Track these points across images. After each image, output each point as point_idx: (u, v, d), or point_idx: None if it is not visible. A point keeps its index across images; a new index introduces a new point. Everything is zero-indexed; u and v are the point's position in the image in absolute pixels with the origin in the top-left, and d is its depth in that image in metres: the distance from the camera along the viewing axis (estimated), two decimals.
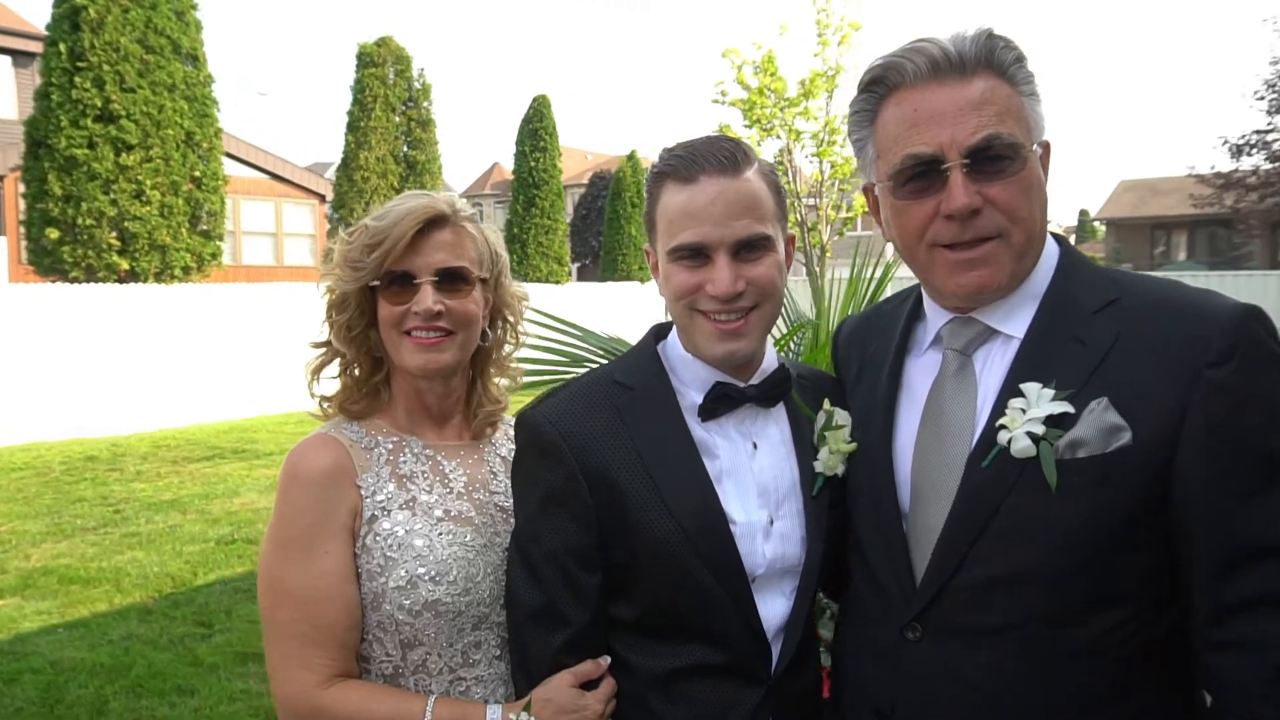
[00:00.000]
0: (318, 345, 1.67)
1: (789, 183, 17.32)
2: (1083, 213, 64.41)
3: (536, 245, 20.27)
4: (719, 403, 1.47)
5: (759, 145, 17.08)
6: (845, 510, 1.49)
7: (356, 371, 1.60)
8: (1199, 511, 1.18)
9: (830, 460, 1.50)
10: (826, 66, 16.46)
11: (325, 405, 1.64)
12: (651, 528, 1.40)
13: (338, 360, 1.63)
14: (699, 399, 1.48)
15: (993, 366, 1.35)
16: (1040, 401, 1.24)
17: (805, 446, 1.51)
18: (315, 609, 1.42)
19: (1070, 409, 1.22)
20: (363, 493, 1.48)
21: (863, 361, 1.55)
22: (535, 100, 20.89)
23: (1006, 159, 1.26)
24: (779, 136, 17.06)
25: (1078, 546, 1.22)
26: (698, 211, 1.39)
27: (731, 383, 1.47)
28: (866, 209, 1.48)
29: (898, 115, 1.34)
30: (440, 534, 1.49)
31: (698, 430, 1.46)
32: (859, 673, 1.42)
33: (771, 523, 1.45)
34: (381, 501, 1.49)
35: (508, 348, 1.72)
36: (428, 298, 1.51)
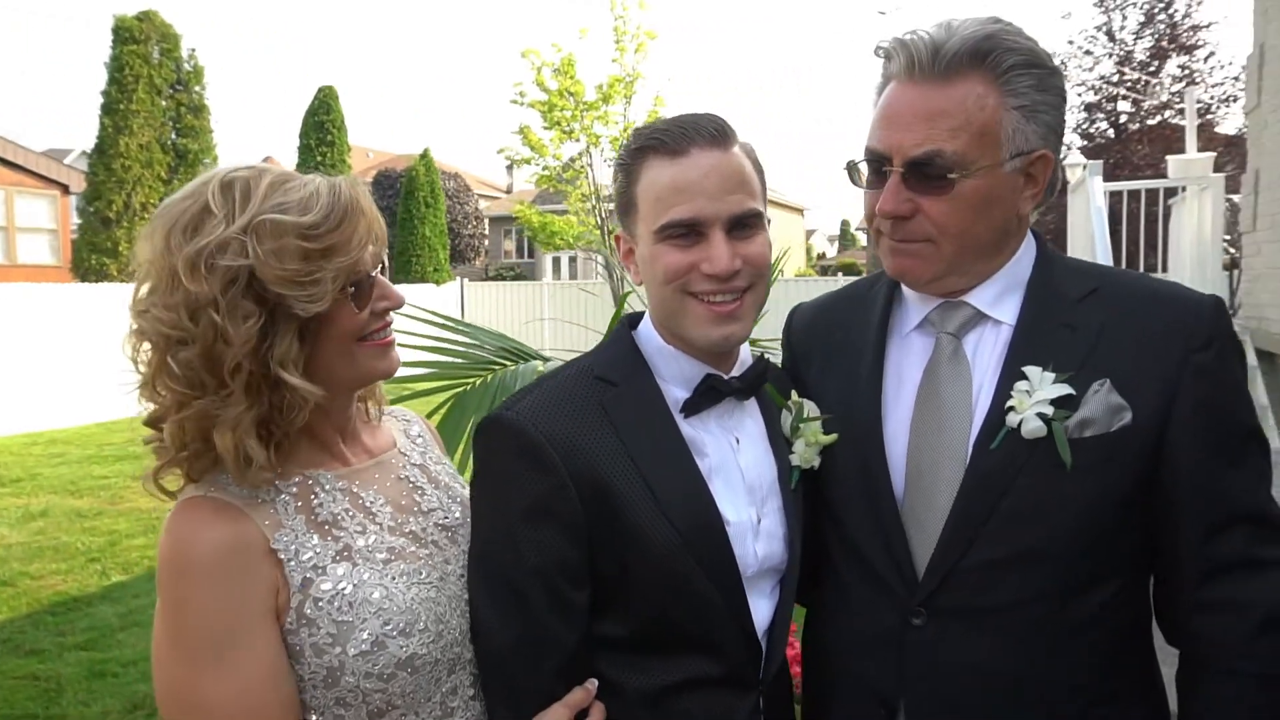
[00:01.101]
0: (172, 414, 1.19)
1: (589, 186, 17.51)
2: (844, 222, 70.22)
3: None
4: (705, 396, 1.38)
5: (558, 148, 17.19)
6: (815, 503, 1.45)
7: (238, 427, 1.18)
8: (1188, 483, 1.24)
9: (807, 453, 1.45)
10: (625, 72, 16.88)
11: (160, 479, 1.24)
12: (647, 533, 1.29)
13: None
14: (682, 393, 1.38)
15: (984, 350, 1.36)
16: (1043, 384, 1.27)
17: (779, 440, 1.46)
18: None
19: (1072, 391, 1.25)
20: (282, 557, 1.19)
21: (829, 349, 1.52)
22: (321, 91, 19.58)
23: (942, 177, 1.27)
24: (578, 140, 17.24)
25: (1085, 524, 1.25)
26: (690, 185, 1.29)
27: (718, 374, 1.39)
28: None
29: (880, 102, 1.36)
30: (394, 578, 1.25)
31: (685, 427, 1.37)
32: (854, 665, 1.38)
33: (759, 521, 1.39)
34: (310, 561, 1.20)
35: None
36: (389, 291, 1.31)
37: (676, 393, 1.38)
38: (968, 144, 1.26)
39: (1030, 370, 1.28)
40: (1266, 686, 1.22)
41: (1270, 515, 1.25)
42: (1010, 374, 1.30)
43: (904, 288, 1.46)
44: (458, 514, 1.40)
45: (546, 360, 2.40)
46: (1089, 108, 18.68)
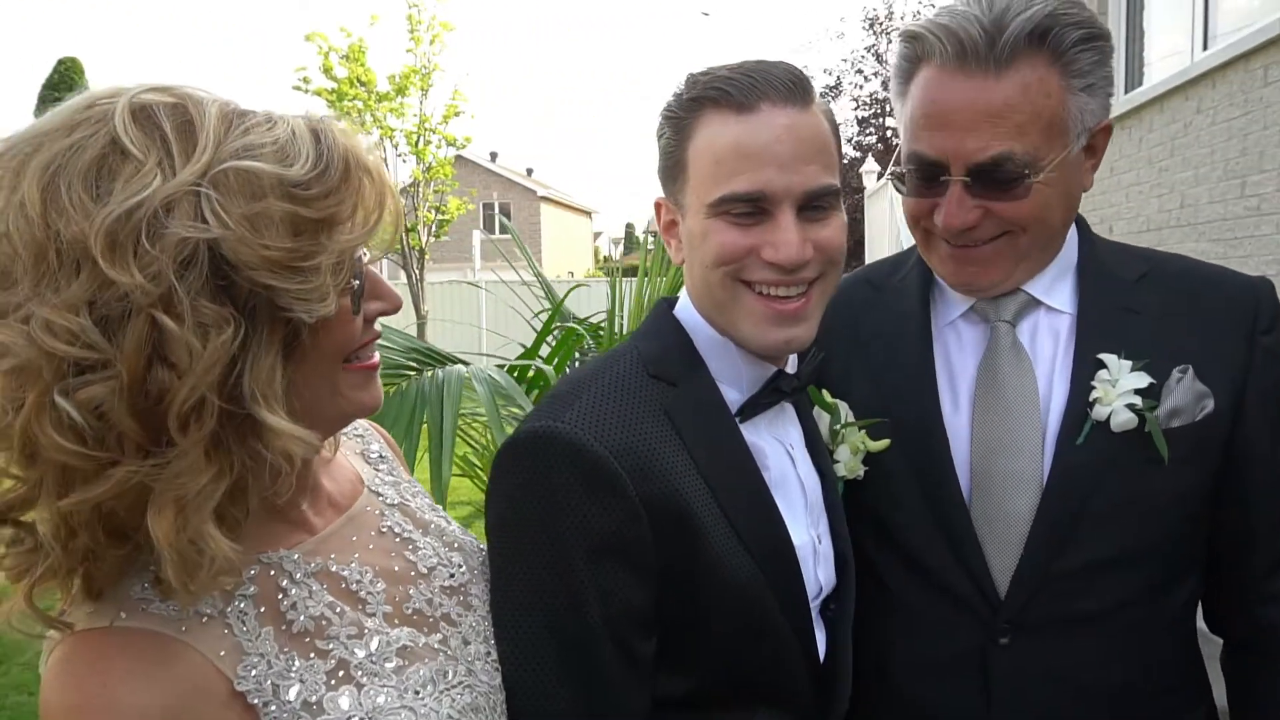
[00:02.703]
0: (53, 496, 0.76)
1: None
2: (629, 225, 71.82)
3: None
4: (765, 398, 1.18)
5: None
6: (853, 517, 1.29)
7: (196, 508, 0.78)
8: (1262, 470, 1.21)
9: (852, 462, 1.30)
10: (421, 64, 16.17)
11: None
12: (725, 566, 1.06)
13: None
14: (734, 394, 1.17)
15: (1042, 339, 1.27)
16: (1123, 373, 1.19)
17: (820, 447, 1.29)
18: None
19: (1151, 380, 1.18)
20: (255, 701, 0.81)
21: (853, 344, 1.37)
22: (62, 63, 17.04)
23: (1014, 180, 1.15)
24: (370, 132, 16.28)
25: (1176, 519, 1.19)
26: (759, 151, 1.06)
27: (786, 374, 1.19)
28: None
29: (919, 97, 1.19)
30: (416, 693, 0.91)
31: (748, 435, 1.16)
32: (928, 694, 1.24)
33: (818, 544, 1.21)
34: (299, 697, 0.83)
35: None
36: (384, 288, 0.94)
37: (730, 394, 1.17)
38: (1038, 139, 1.13)
39: (1108, 359, 1.20)
40: None
41: None
42: (1083, 363, 1.22)
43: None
44: (460, 565, 1.07)
45: (468, 364, 2.08)
46: (861, 122, 20.18)
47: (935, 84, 1.16)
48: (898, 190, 1.28)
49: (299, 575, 0.90)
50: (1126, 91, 5.87)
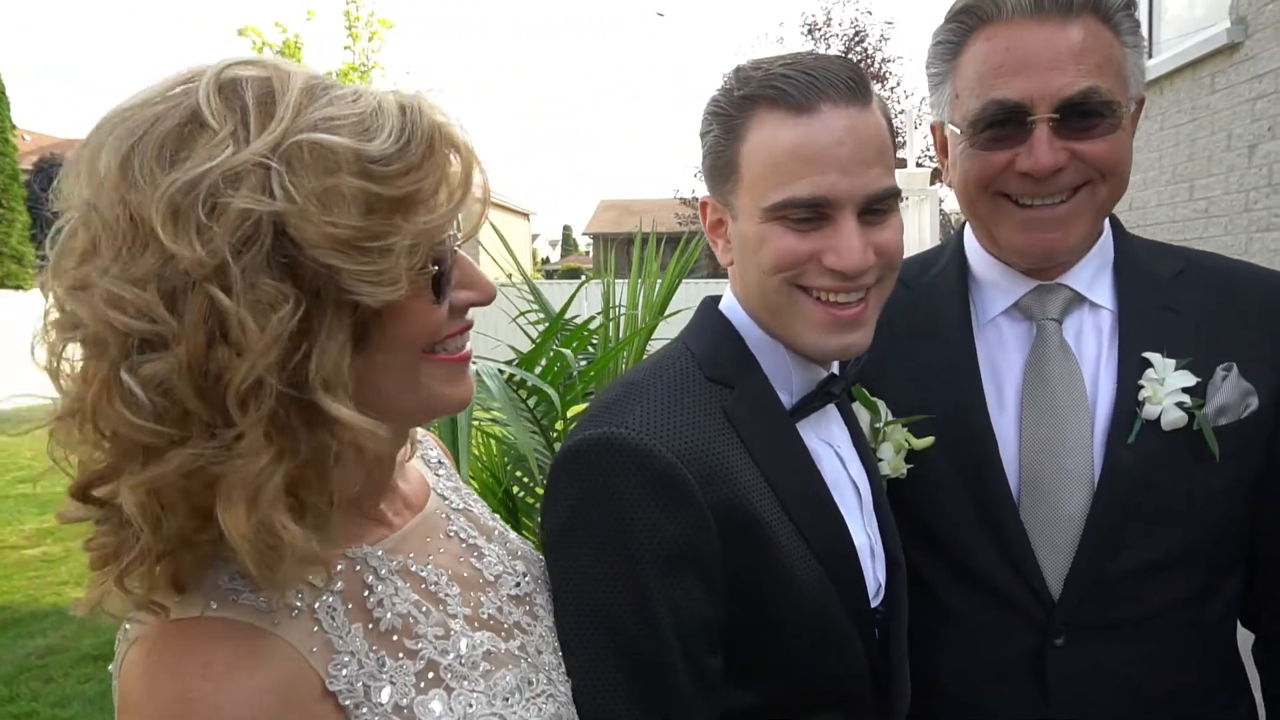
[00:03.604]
0: (130, 473, 0.73)
1: None
2: (566, 228, 71.63)
3: None
4: (817, 399, 1.14)
5: None
6: (904, 512, 1.27)
7: (259, 494, 0.74)
8: None
9: (895, 461, 1.27)
10: (359, 61, 15.83)
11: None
12: (795, 570, 1.02)
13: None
14: (787, 397, 1.13)
15: (1087, 337, 1.26)
16: (1169, 372, 1.18)
17: (865, 447, 1.26)
18: None
19: (1198, 379, 1.18)
20: (347, 703, 0.77)
21: (890, 343, 1.34)
22: None
23: (1101, 116, 1.16)
24: None
25: (1226, 516, 1.19)
26: (820, 154, 1.01)
27: (836, 376, 1.15)
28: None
29: (985, 53, 1.19)
30: (507, 699, 0.86)
31: (806, 437, 1.12)
32: (982, 699, 1.21)
33: (872, 545, 1.18)
34: (391, 700, 0.78)
35: None
36: (476, 276, 0.88)
37: (781, 397, 1.13)
38: (1113, 81, 1.16)
39: (1154, 358, 1.20)
40: None
41: None
42: (1129, 361, 1.21)
43: (978, 267, 1.33)
44: (524, 574, 1.01)
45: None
46: None
47: (1008, 35, 1.17)
48: (957, 166, 1.24)
49: (383, 571, 0.86)
50: None
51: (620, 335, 2.70)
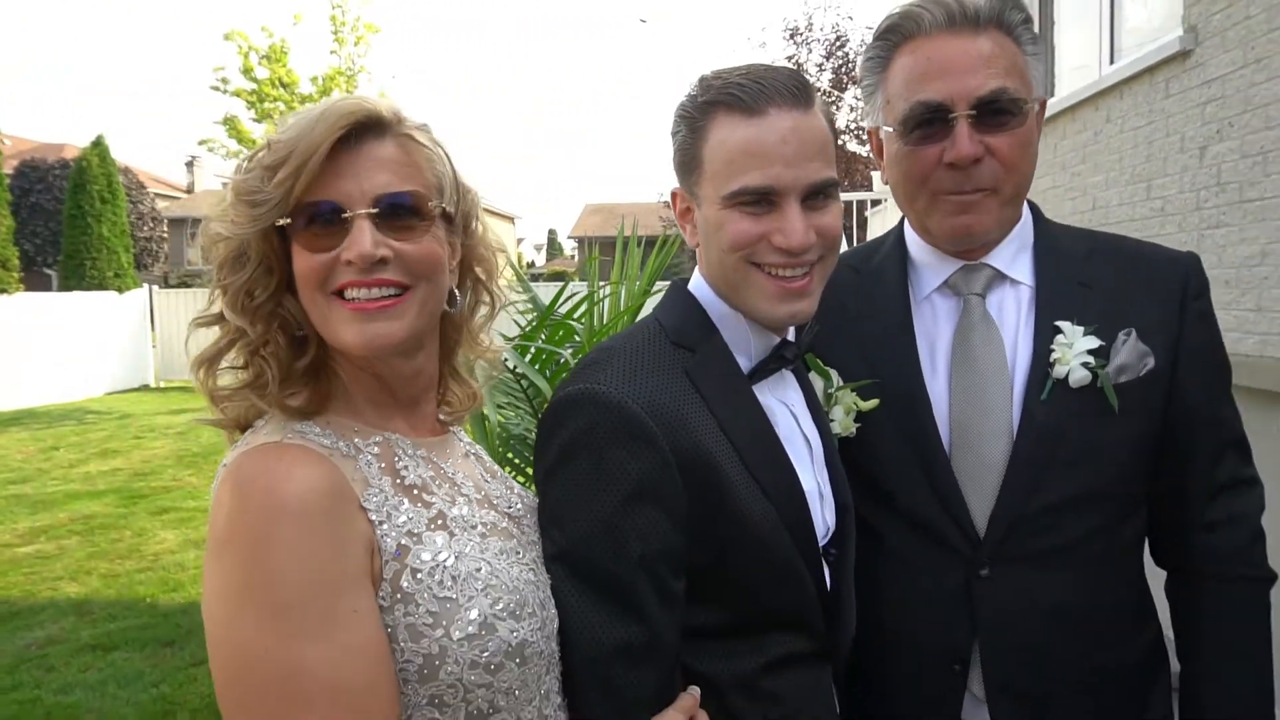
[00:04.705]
0: (205, 322, 1.09)
1: None
2: (552, 231, 71.77)
3: None
4: (771, 364, 1.32)
5: None
6: (852, 467, 1.44)
7: (273, 357, 1.07)
8: (1198, 417, 1.40)
9: (845, 421, 1.45)
10: (346, 65, 15.96)
11: (225, 406, 1.08)
12: (748, 509, 1.20)
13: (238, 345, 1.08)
14: (745, 361, 1.31)
15: (1008, 309, 1.44)
16: (1077, 337, 1.37)
17: (818, 408, 1.44)
18: (362, 701, 0.91)
19: (1102, 342, 1.36)
20: (374, 518, 1.00)
21: (841, 320, 1.51)
22: None
23: (1010, 113, 1.35)
24: None
25: (1128, 461, 1.37)
26: (767, 150, 1.19)
27: (790, 342, 1.33)
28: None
29: (910, 63, 1.38)
30: (495, 554, 1.06)
31: (758, 396, 1.30)
32: (920, 626, 1.39)
33: (822, 491, 1.35)
34: (406, 525, 1.01)
35: (481, 315, 1.27)
36: (364, 238, 1.03)
37: (740, 360, 1.30)
38: (1018, 82, 1.34)
39: (1064, 325, 1.38)
40: (1262, 586, 1.42)
41: (1245, 438, 1.45)
42: (1044, 330, 1.39)
43: (915, 252, 1.51)
44: (519, 505, 1.22)
45: None
46: None
47: (929, 47, 1.36)
48: (904, 143, 1.40)
49: (410, 453, 1.11)
50: None
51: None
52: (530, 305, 3.13)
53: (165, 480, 9.26)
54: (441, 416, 1.26)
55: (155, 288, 18.57)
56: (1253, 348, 3.75)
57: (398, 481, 1.05)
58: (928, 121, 1.35)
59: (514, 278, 3.24)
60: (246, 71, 15.73)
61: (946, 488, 1.38)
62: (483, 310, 1.28)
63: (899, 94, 1.39)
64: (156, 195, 43.14)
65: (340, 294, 1.05)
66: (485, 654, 1.00)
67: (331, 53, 16.00)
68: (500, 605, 1.02)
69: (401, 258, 1.06)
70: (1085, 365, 1.35)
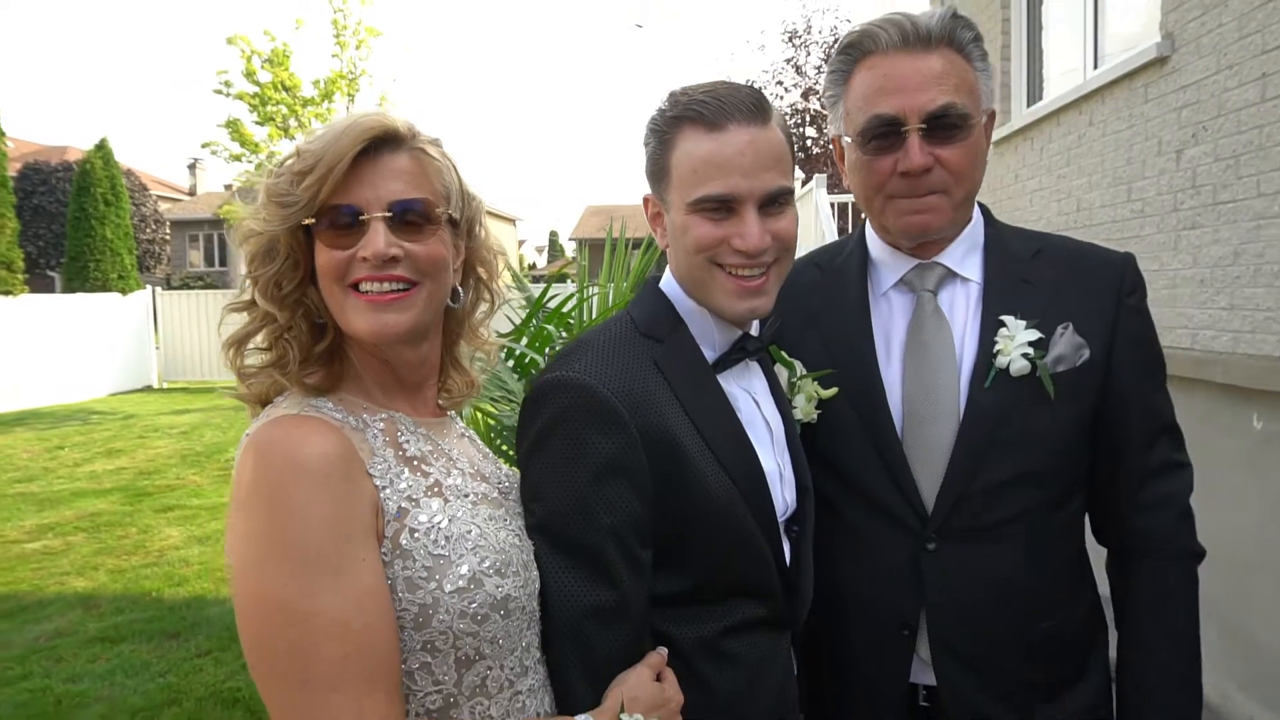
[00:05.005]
0: (237, 308, 1.23)
1: None
2: (553, 233, 71.84)
3: None
4: (734, 355, 1.44)
5: (275, 144, 15.96)
6: (809, 456, 1.56)
7: (295, 340, 1.21)
8: (1131, 404, 1.51)
9: (807, 408, 1.56)
10: (347, 69, 16.09)
11: (251, 383, 1.22)
12: (709, 485, 1.31)
13: (265, 330, 1.22)
14: (711, 352, 1.43)
15: (958, 305, 1.56)
16: (1019, 330, 1.48)
17: (781, 396, 1.55)
18: (367, 639, 1.03)
19: (1042, 335, 1.48)
20: (378, 483, 1.13)
21: (808, 316, 1.63)
22: None
23: (957, 127, 1.46)
24: (294, 137, 16.12)
25: (1065, 445, 1.48)
26: (726, 162, 1.31)
27: (751, 336, 1.45)
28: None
29: (868, 79, 1.49)
30: (485, 520, 1.19)
31: (722, 384, 1.41)
32: (872, 596, 1.51)
33: (782, 470, 1.47)
34: (406, 490, 1.14)
35: (481, 312, 1.41)
36: (379, 238, 1.16)
37: (706, 352, 1.42)
38: (966, 98, 1.46)
39: (1007, 319, 1.50)
40: (1190, 561, 1.53)
41: (1177, 425, 1.57)
42: (989, 324, 1.51)
43: (875, 252, 1.62)
44: (506, 482, 1.35)
45: None
46: None
47: (885, 64, 1.47)
48: (863, 153, 1.52)
49: (410, 429, 1.24)
50: (1029, 105, 6.38)
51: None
52: (526, 303, 3.25)
53: (169, 479, 9.38)
54: (441, 401, 1.38)
55: (158, 289, 18.67)
56: (1226, 345, 3.87)
57: (400, 453, 1.19)
58: (883, 134, 1.47)
59: (511, 279, 3.38)
60: (249, 75, 15.86)
61: (898, 468, 1.50)
62: (483, 307, 1.41)
63: (857, 107, 1.50)
64: (159, 197, 43.29)
65: (356, 287, 1.18)
66: (473, 605, 1.12)
67: (333, 56, 16.13)
68: (487, 563, 1.15)
69: (410, 257, 1.19)
70: (1025, 356, 1.47)
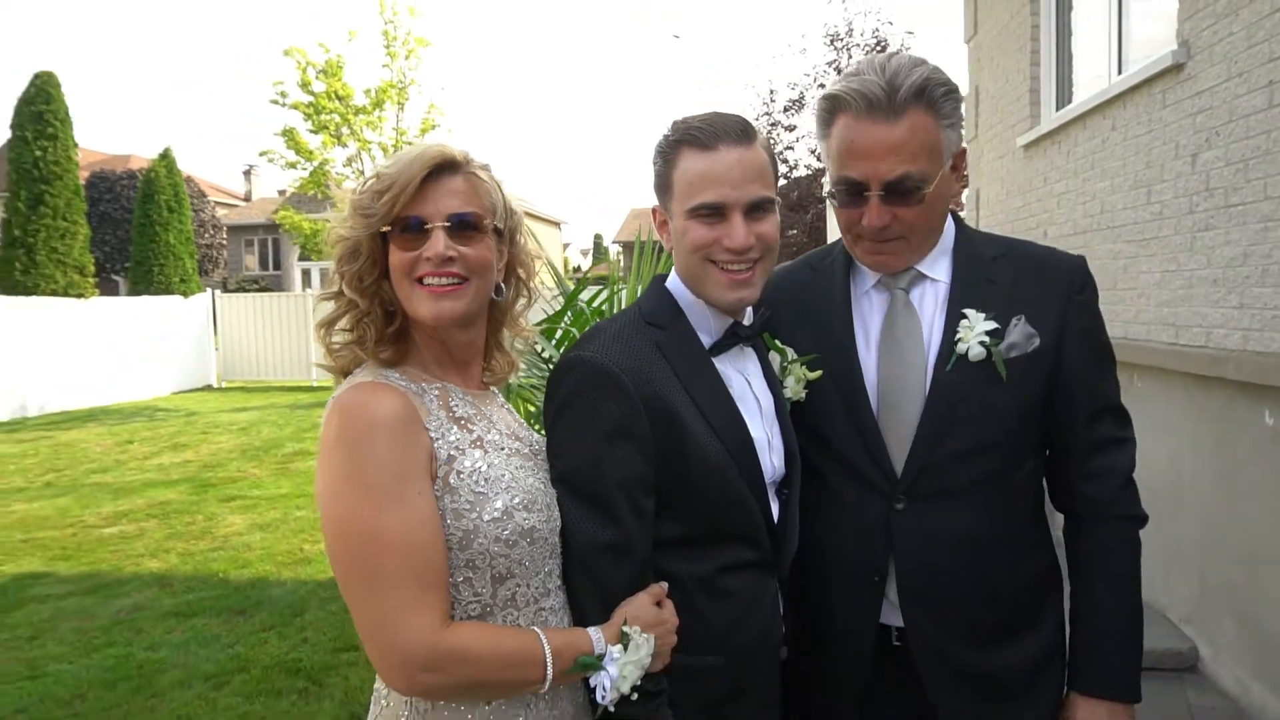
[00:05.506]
0: (327, 297, 1.53)
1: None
2: (597, 236, 72.43)
3: (49, 251, 16.69)
4: (726, 340, 1.70)
5: (328, 151, 16.55)
6: (799, 430, 1.81)
7: (373, 323, 1.51)
8: (1077, 386, 1.74)
9: (796, 388, 1.82)
10: (397, 78, 16.62)
11: (337, 356, 1.53)
12: (702, 448, 1.58)
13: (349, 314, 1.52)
14: (708, 338, 1.69)
15: (927, 301, 1.80)
16: (978, 322, 1.72)
17: (773, 377, 1.81)
18: (423, 552, 1.33)
19: (998, 326, 1.71)
20: (433, 435, 1.42)
21: (799, 309, 1.89)
22: (38, 77, 17.19)
23: (913, 191, 1.66)
24: (346, 145, 16.69)
25: (1016, 420, 1.71)
26: (718, 176, 1.58)
27: (741, 324, 1.71)
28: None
29: (840, 138, 1.69)
30: (517, 467, 1.48)
31: (717, 365, 1.68)
32: (849, 549, 1.76)
33: (770, 440, 1.73)
34: (454, 441, 1.43)
35: (520, 305, 1.70)
36: (439, 242, 1.46)
37: (703, 338, 1.69)
38: (925, 163, 1.65)
39: (969, 312, 1.73)
40: (1130, 524, 1.75)
41: (1122, 405, 1.79)
42: (953, 316, 1.74)
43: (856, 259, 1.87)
44: (536, 444, 1.63)
45: None
46: None
47: (853, 129, 1.66)
48: (831, 204, 1.79)
49: (459, 397, 1.52)
50: (1057, 109, 6.50)
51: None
52: (563, 297, 3.55)
53: (231, 471, 9.90)
54: (485, 378, 1.68)
55: (217, 292, 19.44)
56: (1237, 343, 4.00)
57: (450, 414, 1.47)
58: (849, 192, 1.69)
59: (553, 280, 3.71)
60: (304, 85, 16.43)
61: (872, 439, 1.74)
62: (521, 301, 1.71)
63: (832, 162, 1.73)
64: (216, 203, 44.62)
65: (420, 280, 1.48)
66: (505, 532, 1.41)
67: (384, 66, 16.65)
68: (517, 500, 1.44)
69: (463, 258, 1.49)
70: (982, 343, 1.70)
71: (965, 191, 9.09)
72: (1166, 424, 4.68)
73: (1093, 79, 5.97)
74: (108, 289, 29.81)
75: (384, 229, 1.47)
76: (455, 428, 1.46)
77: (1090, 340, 1.76)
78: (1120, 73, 5.42)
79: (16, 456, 11.05)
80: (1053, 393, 1.75)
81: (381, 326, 1.51)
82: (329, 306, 1.54)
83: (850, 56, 21.04)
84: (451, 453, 1.42)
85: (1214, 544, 4.26)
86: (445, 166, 1.50)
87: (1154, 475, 4.82)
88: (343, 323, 1.53)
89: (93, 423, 13.94)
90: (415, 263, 1.47)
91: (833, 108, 1.70)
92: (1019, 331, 1.72)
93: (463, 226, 1.49)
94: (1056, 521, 1.88)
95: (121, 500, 8.57)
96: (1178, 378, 4.57)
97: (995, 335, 1.71)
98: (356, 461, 1.33)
